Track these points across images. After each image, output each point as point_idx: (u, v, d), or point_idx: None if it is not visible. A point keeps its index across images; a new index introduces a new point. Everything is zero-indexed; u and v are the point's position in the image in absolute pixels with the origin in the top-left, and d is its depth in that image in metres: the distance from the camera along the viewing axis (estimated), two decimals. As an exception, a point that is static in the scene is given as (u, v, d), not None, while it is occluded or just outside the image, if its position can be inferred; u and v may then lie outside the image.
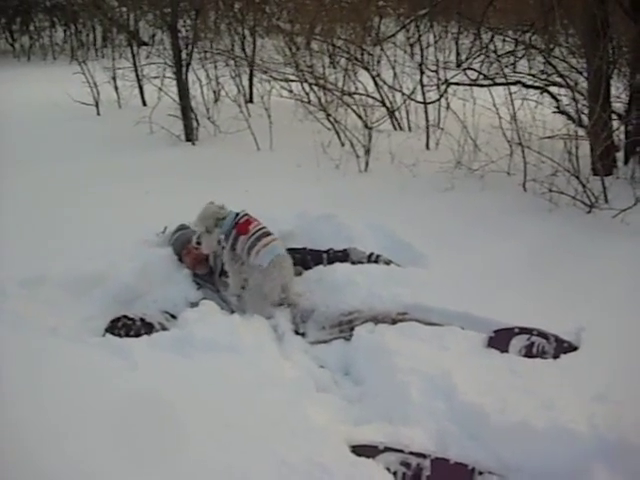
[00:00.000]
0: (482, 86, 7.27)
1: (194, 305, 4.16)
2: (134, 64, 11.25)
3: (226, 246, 4.29)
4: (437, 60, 8.62)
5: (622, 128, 6.43)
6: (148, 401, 3.06)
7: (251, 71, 10.47)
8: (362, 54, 9.01)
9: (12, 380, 3.16)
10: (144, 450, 2.73)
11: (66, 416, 2.92)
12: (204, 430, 2.90)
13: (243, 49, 11.15)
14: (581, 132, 6.01)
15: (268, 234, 4.22)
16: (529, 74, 7.24)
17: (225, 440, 2.84)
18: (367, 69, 8.73)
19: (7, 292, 4.08)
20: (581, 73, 6.54)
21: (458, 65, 10.44)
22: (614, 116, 6.24)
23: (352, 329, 3.91)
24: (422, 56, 8.57)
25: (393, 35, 10.08)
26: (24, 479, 2.57)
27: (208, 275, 4.56)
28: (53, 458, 2.66)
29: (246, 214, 4.30)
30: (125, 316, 4.05)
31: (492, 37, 8.25)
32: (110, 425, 2.85)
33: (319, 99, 8.37)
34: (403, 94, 8.53)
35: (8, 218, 5.57)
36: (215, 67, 10.29)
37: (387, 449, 2.91)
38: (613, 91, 6.36)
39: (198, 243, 4.29)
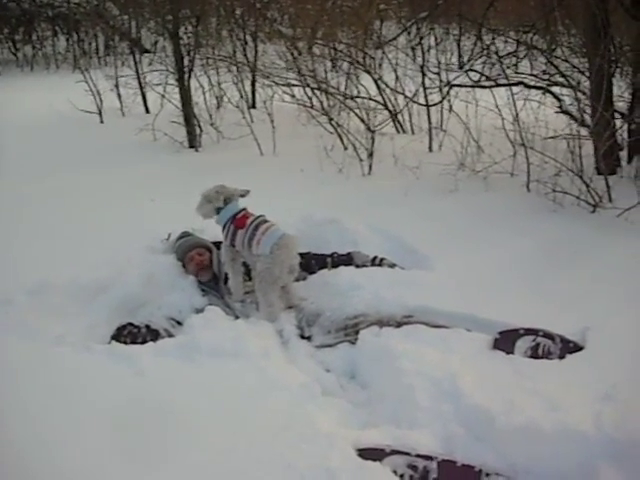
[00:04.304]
0: (484, 87, 7.27)
1: (199, 311, 4.14)
2: (136, 72, 11.30)
3: (225, 242, 4.31)
4: (439, 62, 8.61)
5: (625, 127, 6.43)
6: (152, 406, 3.07)
7: (253, 77, 10.51)
8: (364, 58, 9.04)
9: (18, 387, 3.18)
10: (146, 454, 2.74)
11: (68, 421, 2.94)
12: (208, 435, 2.90)
13: (245, 55, 11.17)
14: (584, 132, 6.01)
15: (265, 221, 4.23)
16: (531, 75, 7.24)
17: (230, 445, 2.85)
18: (369, 72, 8.74)
19: (13, 300, 4.08)
20: (583, 73, 6.54)
21: (460, 67, 10.44)
22: (617, 115, 6.23)
23: (357, 333, 3.88)
24: (424, 58, 8.56)
25: (394, 38, 10.11)
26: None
27: (212, 282, 4.56)
28: (51, 463, 2.69)
29: (245, 209, 4.33)
30: (131, 324, 4.06)
31: (493, 38, 8.26)
32: (112, 429, 2.88)
33: (321, 103, 8.40)
34: (405, 97, 8.55)
35: (12, 226, 5.59)
36: (217, 73, 10.33)
37: (394, 452, 2.90)
38: (615, 90, 6.36)
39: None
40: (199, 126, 8.85)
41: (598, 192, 5.46)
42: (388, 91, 8.72)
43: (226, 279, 4.49)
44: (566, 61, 7.02)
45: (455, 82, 7.71)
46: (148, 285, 4.39)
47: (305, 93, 8.72)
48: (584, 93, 6.29)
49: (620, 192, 5.56)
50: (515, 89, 6.76)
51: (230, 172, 7.14)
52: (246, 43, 11.49)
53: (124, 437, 2.83)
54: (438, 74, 8.18)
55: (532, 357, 3.56)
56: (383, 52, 9.55)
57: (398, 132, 8.65)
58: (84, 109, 10.49)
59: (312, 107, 8.43)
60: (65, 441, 2.82)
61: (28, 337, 3.74)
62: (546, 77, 7.09)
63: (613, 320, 3.75)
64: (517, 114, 6.44)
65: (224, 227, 4.31)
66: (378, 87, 8.68)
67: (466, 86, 7.55)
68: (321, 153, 7.23)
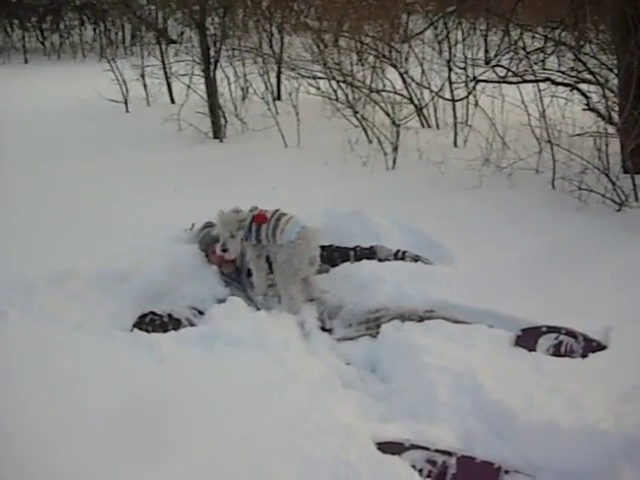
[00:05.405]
0: (511, 83, 7.21)
1: (221, 301, 4.16)
2: (162, 62, 11.35)
3: (249, 242, 4.31)
4: (465, 57, 8.55)
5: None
6: (171, 394, 3.10)
7: (279, 68, 10.52)
8: (390, 51, 8.98)
9: (38, 373, 3.21)
10: (163, 442, 2.76)
11: (82, 410, 2.99)
12: (228, 425, 2.92)
13: (271, 46, 11.18)
14: (611, 129, 5.95)
15: (285, 214, 4.24)
16: (558, 71, 7.16)
17: (248, 435, 2.86)
18: (395, 66, 8.70)
19: (36, 287, 4.11)
20: (611, 70, 6.46)
21: (487, 62, 10.37)
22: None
23: (379, 326, 3.88)
24: (450, 53, 8.51)
25: (421, 32, 10.04)
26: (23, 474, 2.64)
27: (235, 274, 4.57)
28: (57, 453, 2.72)
29: (257, 207, 4.33)
30: (153, 312, 4.06)
31: (521, 34, 8.17)
32: (129, 416, 2.91)
33: (347, 96, 8.37)
34: (431, 91, 8.51)
35: (38, 213, 5.63)
36: (243, 64, 10.35)
37: (413, 446, 2.89)
38: (644, 88, 6.28)
39: (224, 250, 4.28)
40: (224, 117, 8.87)
41: (624, 191, 5.41)
42: (414, 85, 8.69)
43: (249, 273, 4.50)
44: (594, 58, 6.93)
45: (481, 77, 7.66)
46: (171, 274, 4.41)
47: (330, 86, 8.70)
48: (612, 91, 6.22)
49: (647, 191, 5.52)
50: (542, 85, 6.70)
51: (254, 163, 7.19)
52: (272, 35, 11.50)
53: (142, 425, 2.86)
54: (464, 69, 8.13)
55: (554, 355, 3.54)
56: (409, 46, 9.48)
57: (423, 126, 8.62)
58: (110, 98, 10.55)
59: (337, 100, 8.41)
60: (65, 428, 2.86)
61: (50, 323, 3.78)
62: (574, 74, 7.01)
63: (637, 319, 3.71)
64: (544, 111, 6.39)
65: (248, 231, 4.30)
66: (404, 81, 8.64)
67: (492, 81, 7.50)
68: (345, 146, 7.22)
